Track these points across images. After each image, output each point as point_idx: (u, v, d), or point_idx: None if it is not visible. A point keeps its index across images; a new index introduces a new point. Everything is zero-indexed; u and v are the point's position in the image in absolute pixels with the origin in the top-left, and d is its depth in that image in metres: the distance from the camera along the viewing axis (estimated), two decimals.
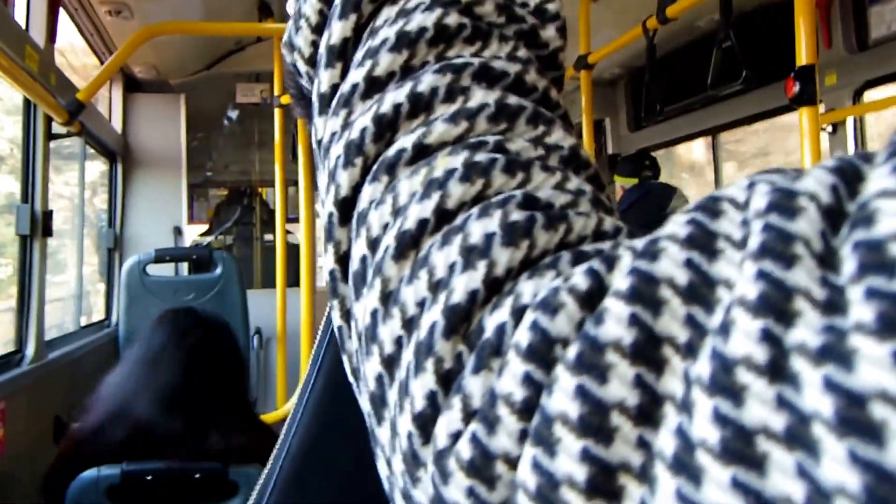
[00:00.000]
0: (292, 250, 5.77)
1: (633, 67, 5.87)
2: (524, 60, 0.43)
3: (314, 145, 0.45)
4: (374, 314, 0.36)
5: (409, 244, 0.36)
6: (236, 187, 7.10)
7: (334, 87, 0.44)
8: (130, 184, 5.54)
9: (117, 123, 5.46)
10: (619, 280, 0.30)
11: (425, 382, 0.33)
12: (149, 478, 2.30)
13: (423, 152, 0.38)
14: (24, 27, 3.36)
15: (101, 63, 5.00)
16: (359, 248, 0.39)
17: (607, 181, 5.05)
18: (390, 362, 0.35)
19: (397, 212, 0.37)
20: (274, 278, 5.16)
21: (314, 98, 0.45)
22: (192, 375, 2.37)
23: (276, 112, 4.76)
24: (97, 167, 5.48)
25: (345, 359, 0.42)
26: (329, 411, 0.75)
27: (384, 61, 0.41)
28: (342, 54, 0.44)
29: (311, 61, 0.48)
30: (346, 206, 0.40)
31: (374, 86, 0.41)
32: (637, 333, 0.28)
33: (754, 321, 0.25)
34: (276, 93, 4.75)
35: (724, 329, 0.26)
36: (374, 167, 0.39)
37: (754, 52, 3.37)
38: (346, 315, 0.41)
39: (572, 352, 0.29)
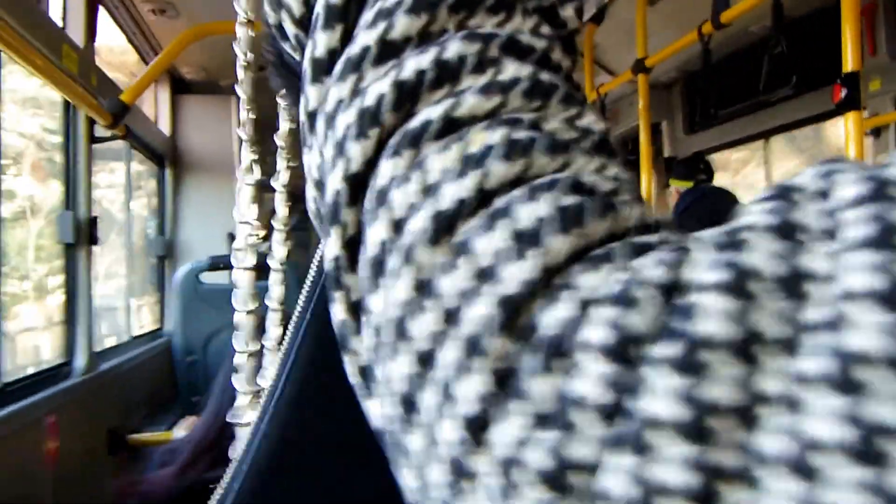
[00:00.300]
0: None
1: (689, 71, 5.87)
2: (549, 37, 0.39)
3: (302, 117, 0.40)
4: (403, 306, 0.32)
5: (444, 227, 0.32)
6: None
7: (332, 53, 0.39)
8: (180, 189, 5.46)
9: (165, 126, 5.37)
10: (703, 273, 0.29)
11: (476, 384, 0.30)
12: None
13: (451, 126, 0.35)
14: (60, 25, 3.26)
15: (146, 63, 4.91)
16: (377, 232, 0.34)
17: (663, 184, 4.90)
18: (425, 361, 0.32)
19: (427, 190, 0.33)
20: None
21: (306, 63, 0.40)
22: None
23: None
24: (125, 168, 5.38)
25: (346, 358, 0.38)
26: (302, 416, 0.67)
27: (401, 24, 0.37)
28: (343, 14, 0.39)
29: (302, 22, 0.43)
30: (356, 183, 0.36)
31: (389, 50, 0.37)
32: (733, 329, 0.27)
33: (879, 315, 0.25)
34: None
35: (837, 324, 0.26)
36: (395, 140, 0.35)
37: (804, 58, 3.50)
38: (353, 308, 0.37)
39: (663, 350, 0.28)
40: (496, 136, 0.34)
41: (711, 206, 4.73)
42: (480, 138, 0.34)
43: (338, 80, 0.38)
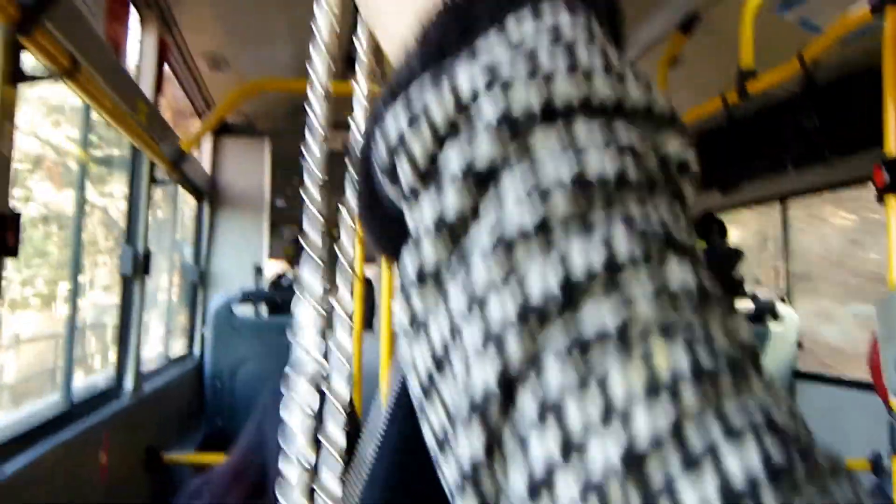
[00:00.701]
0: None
1: (703, 130, 5.93)
2: (690, 229, 0.37)
3: (409, 275, 0.35)
4: None
5: (637, 465, 0.28)
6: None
7: (462, 219, 0.35)
8: (215, 222, 5.82)
9: (206, 165, 5.75)
10: None
11: None
12: None
13: (625, 336, 0.31)
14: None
15: (195, 109, 5.30)
16: (543, 449, 0.30)
17: None
18: None
19: (612, 415, 0.29)
20: None
21: (423, 221, 0.36)
22: None
23: None
24: (172, 204, 5.72)
25: None
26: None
27: (559, 205, 0.34)
28: (484, 182, 0.35)
29: (422, 175, 0.37)
30: (511, 383, 0.31)
31: (547, 234, 0.33)
32: None
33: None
34: None
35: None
36: (563, 341, 0.31)
37: (830, 125, 3.39)
38: None
39: None
40: (682, 358, 0.30)
41: (725, 268, 4.96)
42: (664, 358, 0.30)
43: (485, 257, 0.33)
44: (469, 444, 0.31)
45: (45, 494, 2.50)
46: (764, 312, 4.82)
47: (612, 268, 0.32)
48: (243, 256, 5.79)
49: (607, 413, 0.29)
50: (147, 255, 3.82)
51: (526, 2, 0.39)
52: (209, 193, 5.74)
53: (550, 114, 0.35)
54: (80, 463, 2.90)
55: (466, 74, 0.37)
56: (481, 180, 0.35)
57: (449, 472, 0.33)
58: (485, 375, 0.31)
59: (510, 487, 0.30)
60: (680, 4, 4.03)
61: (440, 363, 0.34)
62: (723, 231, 5.27)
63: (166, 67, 4.12)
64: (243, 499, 2.47)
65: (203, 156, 5.74)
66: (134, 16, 3.66)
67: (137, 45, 3.78)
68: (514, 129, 0.35)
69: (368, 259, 6.27)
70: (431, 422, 0.34)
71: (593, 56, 0.37)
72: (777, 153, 4.51)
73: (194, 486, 2.63)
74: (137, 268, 3.76)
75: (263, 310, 5.66)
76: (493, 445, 0.31)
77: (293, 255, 6.91)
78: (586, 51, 0.37)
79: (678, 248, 0.35)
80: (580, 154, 0.35)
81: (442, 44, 0.40)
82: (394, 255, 0.38)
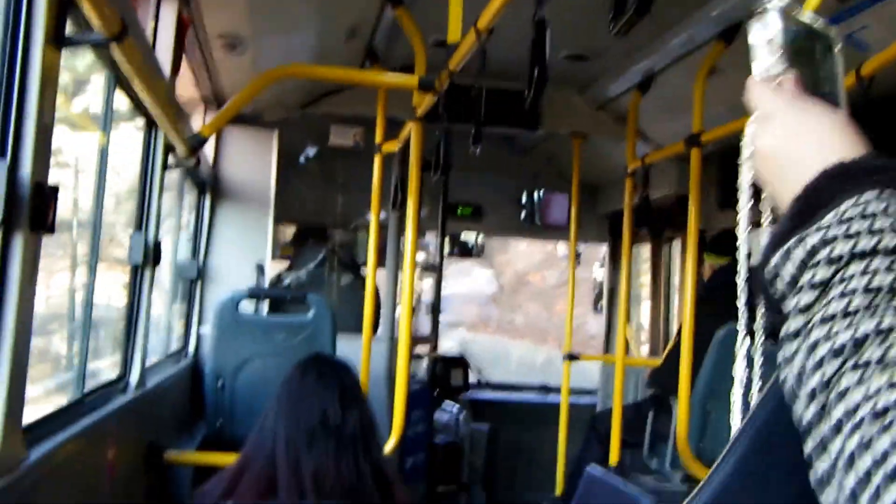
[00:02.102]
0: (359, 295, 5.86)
1: (729, 146, 5.87)
2: None
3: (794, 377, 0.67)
4: None
5: None
6: (307, 226, 7.19)
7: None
8: (215, 216, 5.66)
9: (209, 154, 5.58)
10: None
11: None
12: None
13: None
14: None
15: (203, 95, 5.15)
16: None
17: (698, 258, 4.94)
18: None
19: None
20: (344, 323, 5.23)
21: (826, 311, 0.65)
22: (346, 412, 2.57)
23: (376, 159, 4.85)
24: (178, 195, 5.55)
25: None
26: None
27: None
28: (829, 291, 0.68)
29: (814, 289, 0.69)
30: None
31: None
32: None
33: None
34: (377, 140, 4.85)
35: None
36: None
37: (886, 141, 3.34)
38: None
39: None
40: None
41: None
42: None
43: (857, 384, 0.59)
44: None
45: (60, 483, 2.40)
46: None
47: None
48: (245, 253, 5.62)
49: None
50: (158, 244, 3.68)
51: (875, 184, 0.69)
52: (211, 185, 5.58)
53: None
54: (90, 455, 2.81)
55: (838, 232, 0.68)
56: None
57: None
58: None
59: None
60: (723, 13, 3.96)
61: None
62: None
63: None
64: (257, 494, 2.46)
65: (207, 146, 5.57)
66: None
67: (151, 20, 3.62)
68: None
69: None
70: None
71: None
72: None
73: (208, 486, 2.59)
74: (147, 256, 3.62)
75: (265, 308, 5.53)
76: None
77: (293, 255, 6.77)
78: None
79: None
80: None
81: (820, 201, 0.71)
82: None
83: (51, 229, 1.99)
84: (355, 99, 5.47)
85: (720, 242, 5.39)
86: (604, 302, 8.40)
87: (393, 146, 4.74)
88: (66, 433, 2.47)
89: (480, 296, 18.68)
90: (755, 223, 0.97)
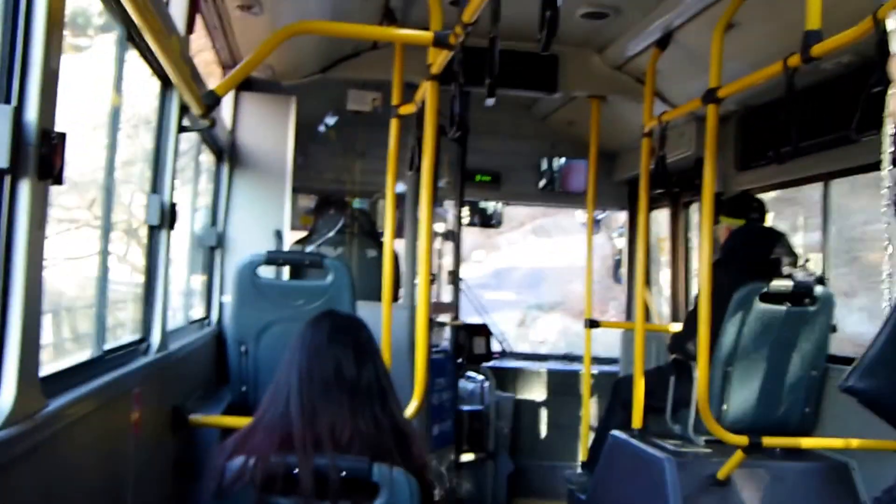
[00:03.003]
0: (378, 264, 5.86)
1: (748, 106, 5.88)
2: None
3: None
4: None
5: None
6: (327, 194, 7.17)
7: None
8: (233, 183, 5.64)
9: (227, 121, 5.56)
10: None
11: None
12: (296, 471, 2.42)
13: None
14: None
15: (219, 58, 5.11)
16: None
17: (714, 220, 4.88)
18: None
19: None
20: (366, 293, 5.22)
21: None
22: (360, 365, 2.58)
23: (393, 123, 4.81)
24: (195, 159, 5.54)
25: None
26: None
27: None
28: None
29: None
30: None
31: None
32: None
33: None
34: (393, 102, 4.81)
35: None
36: None
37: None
38: None
39: None
40: None
41: (763, 248, 4.90)
42: None
43: None
44: None
45: (81, 437, 2.40)
46: (801, 294, 4.69)
47: None
48: (263, 221, 5.61)
49: None
50: (173, 206, 3.66)
51: None
52: (229, 153, 5.56)
53: None
54: (113, 413, 2.80)
55: None
56: None
57: None
58: None
59: None
60: None
61: None
62: (761, 211, 5.25)
63: None
64: (271, 447, 2.46)
65: (224, 112, 5.55)
66: None
67: None
68: None
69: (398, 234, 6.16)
70: None
71: None
72: (821, 127, 4.30)
73: (229, 441, 2.59)
74: (164, 218, 3.60)
75: (285, 273, 5.51)
76: None
77: (312, 224, 6.75)
78: None
79: None
80: None
81: None
82: None
83: (59, 179, 1.96)
84: (373, 62, 5.45)
85: (737, 204, 5.34)
86: (623, 270, 8.38)
87: (409, 108, 4.69)
88: (86, 387, 2.46)
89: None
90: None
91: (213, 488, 2.44)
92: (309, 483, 2.38)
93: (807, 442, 4.51)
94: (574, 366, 7.92)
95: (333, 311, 2.81)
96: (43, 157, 1.88)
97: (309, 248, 6.32)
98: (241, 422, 3.68)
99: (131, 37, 2.97)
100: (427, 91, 3.98)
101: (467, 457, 6.70)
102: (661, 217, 7.80)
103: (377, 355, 2.68)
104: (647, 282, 6.02)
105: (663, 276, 8.00)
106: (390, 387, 2.65)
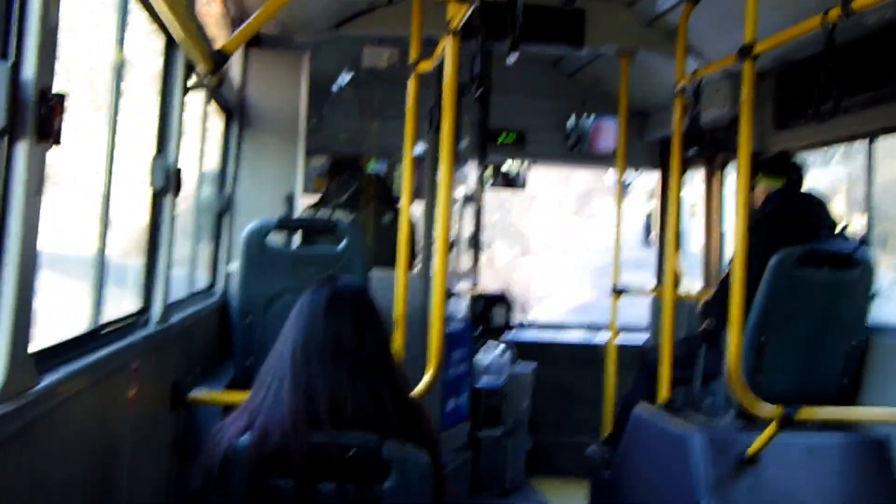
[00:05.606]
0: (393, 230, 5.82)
1: (786, 62, 5.79)
2: None
3: None
4: None
5: None
6: (341, 157, 7.16)
7: None
8: (243, 145, 5.62)
9: (236, 80, 5.53)
10: None
11: None
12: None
13: None
14: None
15: (227, 12, 5.07)
16: None
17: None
18: None
19: None
20: (378, 258, 5.19)
21: None
22: (361, 334, 2.54)
23: (411, 81, 4.76)
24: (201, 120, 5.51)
25: None
26: None
27: None
28: None
29: None
30: None
31: None
32: None
33: None
34: (411, 59, 4.76)
35: None
36: None
37: None
38: None
39: None
40: None
41: (802, 210, 4.86)
42: None
43: None
44: None
45: (76, 414, 2.40)
46: (842, 258, 4.67)
47: None
48: (274, 185, 5.58)
49: None
50: (179, 170, 3.64)
51: None
52: (238, 113, 5.53)
53: None
54: (109, 389, 2.79)
55: None
56: None
57: None
58: None
59: None
60: None
61: None
62: (800, 172, 5.19)
63: None
64: (271, 428, 2.41)
65: (232, 69, 5.52)
66: None
67: None
68: None
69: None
70: None
71: None
72: (865, 84, 4.25)
73: (228, 420, 2.57)
74: (169, 182, 3.58)
75: (296, 240, 5.48)
76: None
77: (326, 188, 6.70)
78: None
79: None
80: None
81: None
82: None
83: (57, 139, 1.96)
84: (389, 17, 5.40)
85: (775, 164, 5.27)
86: (654, 234, 8.33)
87: (428, 65, 4.65)
88: (80, 362, 2.44)
89: None
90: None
91: (208, 469, 2.40)
92: (302, 463, 2.34)
93: (846, 412, 4.46)
94: (597, 338, 7.89)
95: (334, 278, 2.73)
96: (41, 116, 1.87)
97: (322, 213, 6.29)
98: (243, 397, 3.69)
99: None
100: (447, 47, 3.94)
101: (484, 433, 6.71)
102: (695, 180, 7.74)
103: (381, 325, 2.63)
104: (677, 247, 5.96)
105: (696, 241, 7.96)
106: (395, 359, 2.62)
